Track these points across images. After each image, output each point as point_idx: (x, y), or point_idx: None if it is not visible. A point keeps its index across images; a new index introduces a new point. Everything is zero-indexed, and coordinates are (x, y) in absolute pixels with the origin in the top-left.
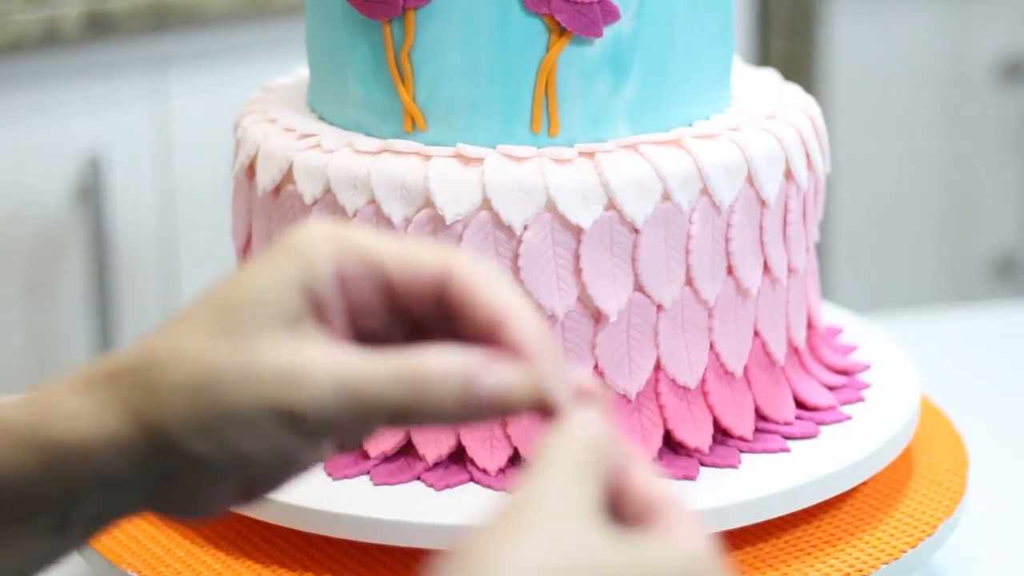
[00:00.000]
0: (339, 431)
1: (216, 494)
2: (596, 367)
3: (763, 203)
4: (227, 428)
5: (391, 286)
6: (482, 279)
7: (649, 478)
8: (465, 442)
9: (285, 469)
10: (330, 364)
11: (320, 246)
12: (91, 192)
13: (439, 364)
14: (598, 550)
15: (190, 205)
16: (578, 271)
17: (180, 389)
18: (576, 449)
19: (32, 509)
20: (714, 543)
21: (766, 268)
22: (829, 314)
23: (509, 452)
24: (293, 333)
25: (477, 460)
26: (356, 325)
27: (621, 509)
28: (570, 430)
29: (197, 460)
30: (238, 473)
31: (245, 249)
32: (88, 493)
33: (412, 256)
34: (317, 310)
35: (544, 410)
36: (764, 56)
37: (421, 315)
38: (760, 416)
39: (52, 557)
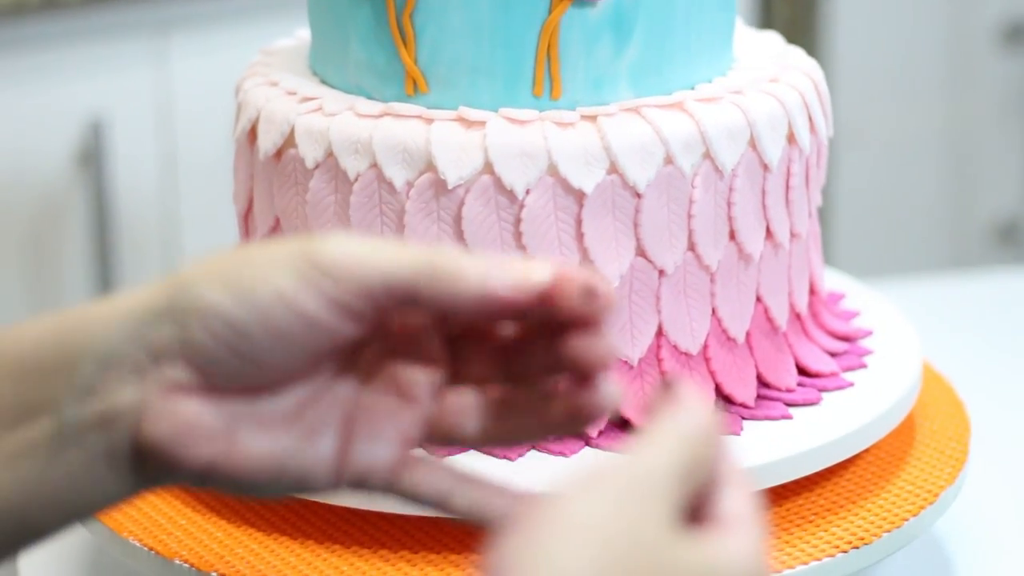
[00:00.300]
0: (362, 298)
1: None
2: None
3: (766, 167)
4: (250, 276)
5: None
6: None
7: (737, 495)
8: None
9: (290, 361)
10: (360, 240)
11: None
12: (92, 156)
13: (462, 256)
14: (657, 539)
15: (191, 169)
16: (580, 236)
17: (211, 262)
18: (683, 447)
19: (35, 394)
20: (768, 562)
21: (768, 233)
22: (831, 280)
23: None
24: None
25: None
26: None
27: (699, 513)
28: (683, 424)
29: (209, 310)
30: (245, 349)
31: (246, 213)
32: (86, 375)
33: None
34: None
35: (587, 315)
36: (767, 19)
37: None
38: (762, 383)
39: (43, 505)
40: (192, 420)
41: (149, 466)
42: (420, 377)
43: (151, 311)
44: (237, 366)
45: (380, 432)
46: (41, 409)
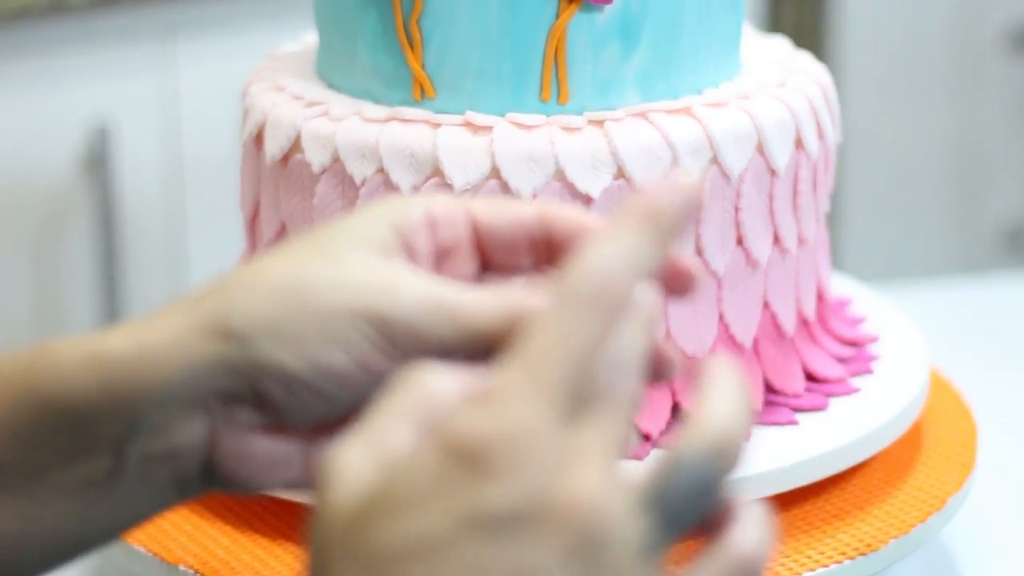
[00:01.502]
0: (424, 352)
1: (284, 434)
2: None
3: (773, 172)
4: (310, 333)
5: (481, 229)
6: (580, 217)
7: None
8: None
9: (359, 398)
10: (424, 281)
11: (411, 198)
12: (98, 161)
13: (538, 303)
14: None
15: (197, 174)
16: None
17: (263, 291)
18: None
19: (89, 437)
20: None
21: (776, 238)
22: (839, 285)
23: None
24: (386, 258)
25: None
26: (441, 272)
27: None
28: (737, 546)
29: (273, 369)
30: (311, 397)
31: (253, 218)
32: (146, 416)
33: (502, 204)
34: (407, 249)
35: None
36: (775, 23)
37: (510, 264)
38: (769, 388)
39: (101, 526)
40: (268, 455)
41: (219, 488)
42: None
43: (212, 363)
44: (310, 412)
45: None
46: (99, 450)
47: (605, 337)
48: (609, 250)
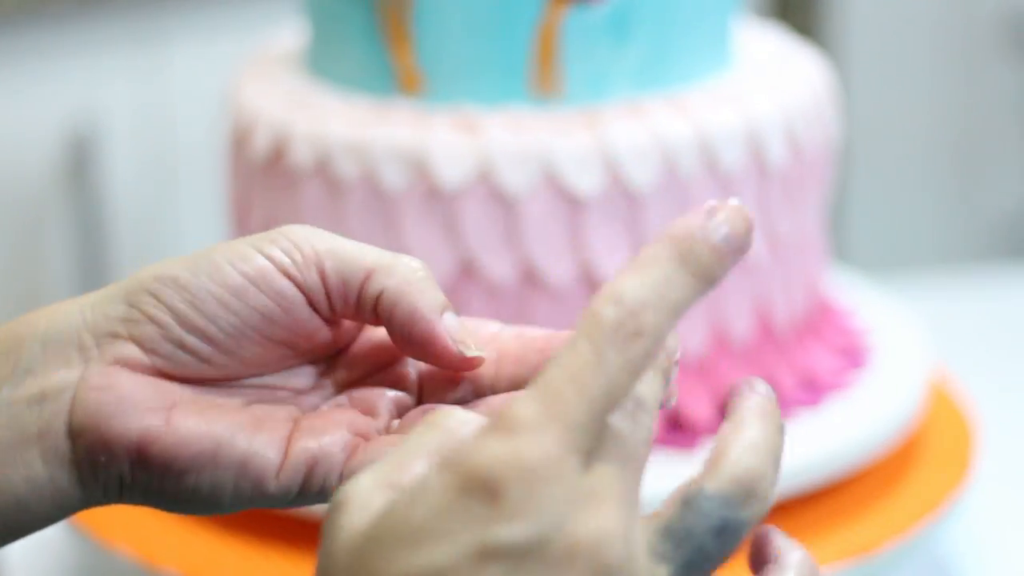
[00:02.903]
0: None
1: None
2: None
3: (768, 168)
4: (216, 264)
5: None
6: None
7: None
8: None
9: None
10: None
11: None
12: (78, 168)
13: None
14: None
15: (181, 180)
16: (579, 238)
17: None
18: None
19: None
20: None
21: (770, 236)
22: (839, 279)
23: None
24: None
25: None
26: None
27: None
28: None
29: (160, 295)
30: (192, 332)
31: (240, 220)
32: (32, 346)
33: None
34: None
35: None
36: (776, 16)
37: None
38: None
39: None
40: (126, 391)
41: (81, 448)
42: (387, 396)
43: (102, 295)
44: (189, 348)
45: (333, 428)
46: None
47: (632, 377)
48: (638, 281)
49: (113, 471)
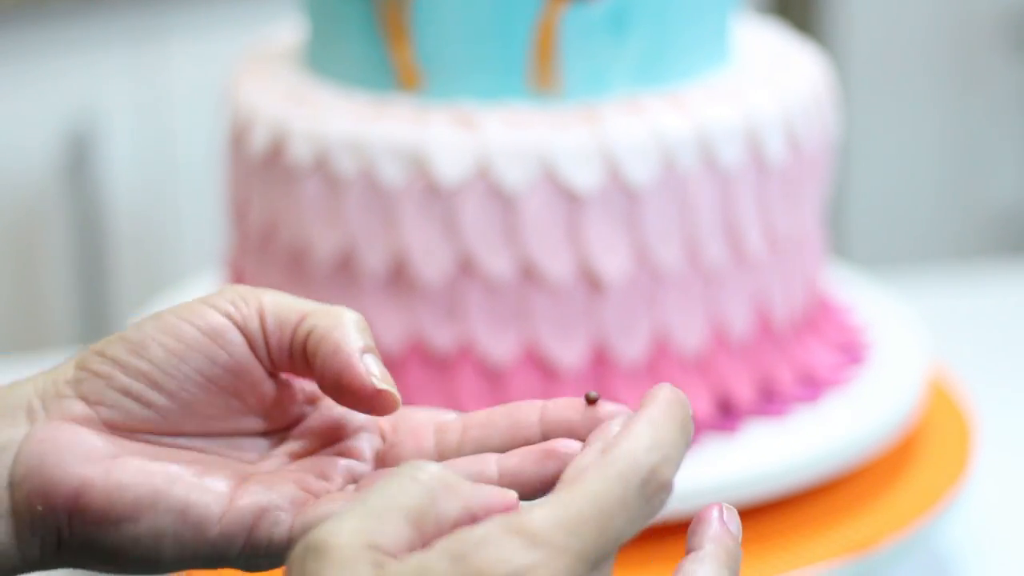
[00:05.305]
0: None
1: None
2: (595, 333)
3: (766, 164)
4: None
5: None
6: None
7: None
8: None
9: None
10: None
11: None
12: (77, 166)
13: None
14: None
15: (181, 178)
16: (578, 235)
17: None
18: None
19: None
20: None
21: (768, 232)
22: (838, 277)
23: None
24: None
25: None
26: None
27: None
28: None
29: (109, 354)
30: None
31: (239, 217)
32: None
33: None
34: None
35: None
36: (775, 12)
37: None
38: (762, 385)
39: None
40: (69, 441)
41: (20, 499)
42: (341, 463)
43: (54, 367)
44: (134, 394)
45: (281, 482)
46: None
47: (641, 523)
48: (653, 439)
49: (51, 521)
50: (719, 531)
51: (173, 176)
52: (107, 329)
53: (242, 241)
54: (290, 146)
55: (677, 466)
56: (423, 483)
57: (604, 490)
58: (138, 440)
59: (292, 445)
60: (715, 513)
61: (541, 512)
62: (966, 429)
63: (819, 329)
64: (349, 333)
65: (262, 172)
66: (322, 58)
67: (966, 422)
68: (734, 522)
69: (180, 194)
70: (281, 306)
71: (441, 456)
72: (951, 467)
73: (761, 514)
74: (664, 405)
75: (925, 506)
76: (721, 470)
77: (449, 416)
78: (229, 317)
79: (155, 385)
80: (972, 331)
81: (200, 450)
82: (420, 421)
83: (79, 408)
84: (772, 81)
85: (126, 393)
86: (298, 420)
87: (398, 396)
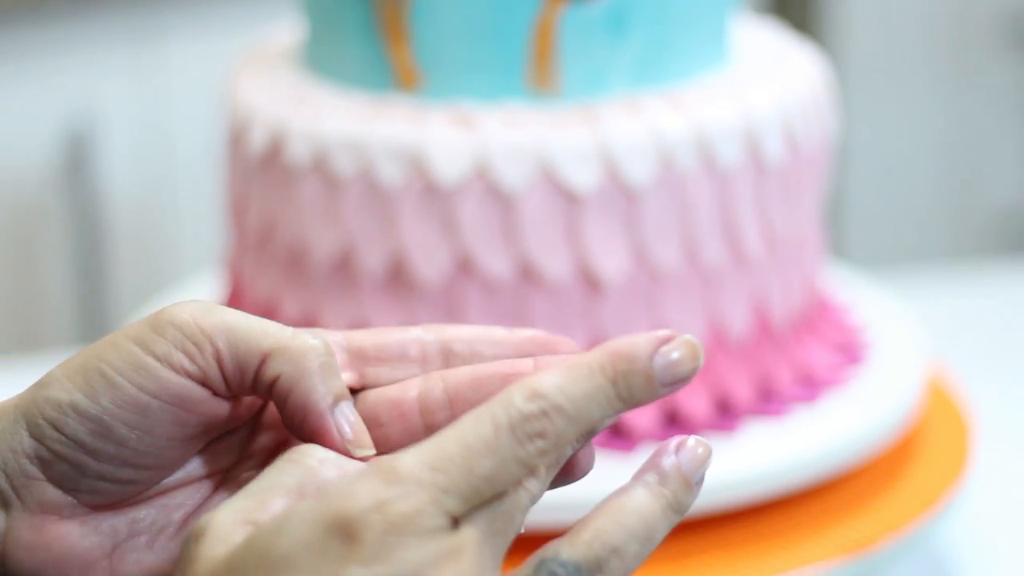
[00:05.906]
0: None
1: None
2: (594, 333)
3: (765, 164)
4: (104, 371)
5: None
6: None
7: None
8: None
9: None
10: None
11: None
12: (76, 166)
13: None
14: None
15: (180, 178)
16: (577, 235)
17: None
18: None
19: None
20: None
21: (767, 232)
22: (836, 277)
23: None
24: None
25: None
26: None
27: None
28: None
29: (65, 406)
30: (104, 449)
31: (237, 217)
32: None
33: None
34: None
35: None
36: (773, 12)
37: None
38: (760, 385)
39: None
40: (64, 548)
41: None
42: None
43: (4, 419)
44: (109, 476)
45: None
46: None
47: (522, 469)
48: (562, 383)
49: None
50: (670, 463)
51: (172, 176)
52: (106, 328)
53: (240, 241)
54: (289, 146)
55: (570, 422)
56: (302, 464)
57: (471, 429)
58: (124, 512)
59: (264, 439)
60: (672, 445)
61: (408, 452)
62: (965, 429)
63: (818, 329)
64: (315, 386)
65: (260, 172)
66: (321, 58)
67: (965, 422)
68: (691, 456)
69: (179, 194)
70: (238, 348)
71: (430, 433)
72: (950, 467)
73: (760, 514)
74: (582, 367)
75: (924, 506)
76: (720, 470)
77: (432, 382)
78: (189, 376)
79: (127, 463)
80: (971, 331)
81: (180, 487)
82: (407, 405)
83: (54, 495)
84: (770, 81)
85: (100, 477)
86: (259, 411)
87: (372, 451)
